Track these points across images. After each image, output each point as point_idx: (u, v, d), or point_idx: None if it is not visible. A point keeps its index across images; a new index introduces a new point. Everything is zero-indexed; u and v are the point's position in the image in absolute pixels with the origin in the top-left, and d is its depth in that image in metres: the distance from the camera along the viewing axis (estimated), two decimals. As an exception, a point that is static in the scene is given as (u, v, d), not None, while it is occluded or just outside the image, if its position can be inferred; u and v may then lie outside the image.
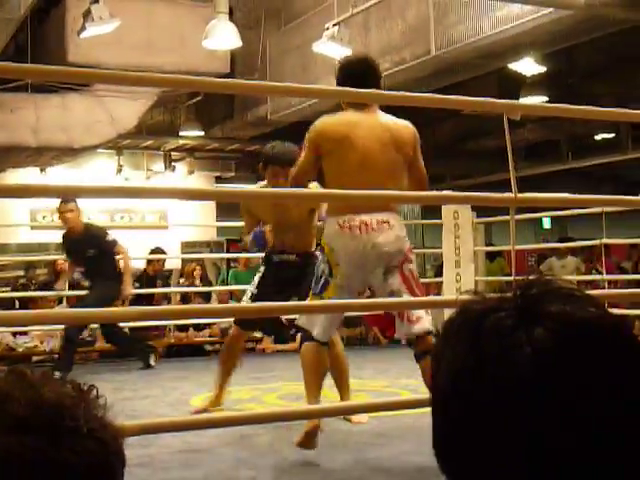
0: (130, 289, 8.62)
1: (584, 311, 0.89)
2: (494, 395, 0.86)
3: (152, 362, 8.89)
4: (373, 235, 4.34)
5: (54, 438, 0.86)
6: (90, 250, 8.25)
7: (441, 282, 10.11)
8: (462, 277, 9.60)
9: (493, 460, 0.87)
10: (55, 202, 8.58)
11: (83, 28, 8.85)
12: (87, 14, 8.66)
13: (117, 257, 8.48)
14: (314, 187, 5.22)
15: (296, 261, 5.83)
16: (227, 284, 12.36)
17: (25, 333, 10.00)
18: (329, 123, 4.56)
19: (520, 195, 3.79)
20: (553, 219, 20.47)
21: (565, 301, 0.90)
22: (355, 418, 5.37)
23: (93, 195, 4.83)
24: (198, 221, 14.41)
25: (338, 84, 4.70)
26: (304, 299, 4.78)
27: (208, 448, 4.65)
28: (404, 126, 4.60)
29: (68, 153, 11.84)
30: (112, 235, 8.56)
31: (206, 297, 11.27)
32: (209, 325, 10.89)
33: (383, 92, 4.46)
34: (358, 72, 4.66)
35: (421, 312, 4.36)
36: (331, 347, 5.06)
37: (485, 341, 0.89)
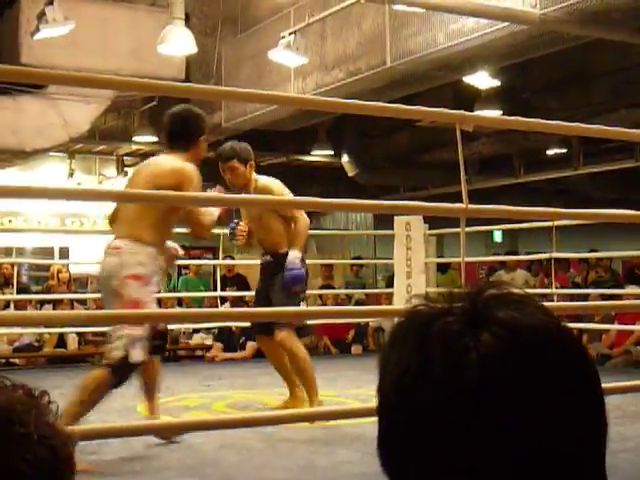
0: None
1: (531, 318, 0.89)
2: (438, 398, 0.86)
3: None
4: (102, 259, 4.83)
5: (3, 444, 0.84)
6: None
7: (392, 293, 10.15)
8: (413, 288, 9.64)
9: (435, 463, 0.86)
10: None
11: (37, 30, 8.78)
12: (41, 16, 8.58)
13: None
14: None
15: (270, 262, 6.21)
16: (177, 291, 12.33)
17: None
18: None
19: (471, 206, 3.81)
20: (504, 233, 20.66)
21: (513, 307, 0.90)
22: None
23: (42, 196, 4.77)
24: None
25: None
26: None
27: (156, 454, 4.62)
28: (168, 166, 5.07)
29: (19, 155, 11.70)
30: None
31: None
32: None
33: (339, 100, 4.47)
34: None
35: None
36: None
37: (432, 344, 0.88)
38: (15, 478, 0.84)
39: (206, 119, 5.74)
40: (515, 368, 0.85)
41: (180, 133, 5.25)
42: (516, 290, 0.94)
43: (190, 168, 5.04)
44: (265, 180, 6.12)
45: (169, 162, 5.09)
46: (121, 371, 4.64)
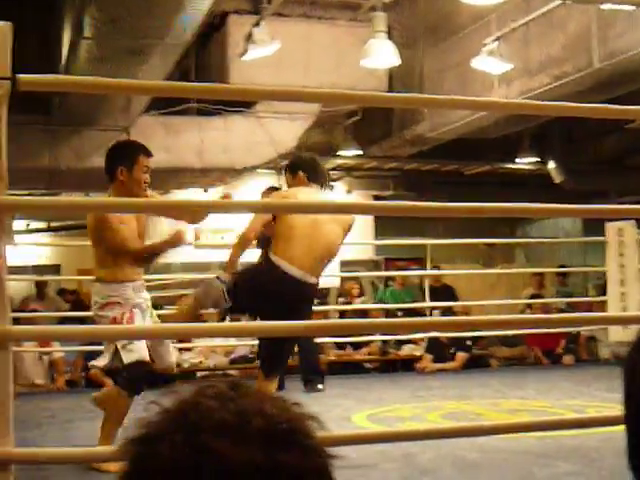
0: None
1: None
2: None
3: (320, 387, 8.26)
4: None
5: (287, 451, 0.87)
6: None
7: (604, 301, 9.85)
8: (628, 296, 9.31)
9: None
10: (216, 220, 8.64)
11: (245, 51, 9.06)
12: (249, 37, 8.86)
13: None
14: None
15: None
16: (384, 302, 12.38)
17: (189, 349, 10.25)
18: None
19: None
20: None
21: None
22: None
23: (251, 210, 4.93)
24: (356, 240, 14.47)
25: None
26: None
27: (373, 464, 4.65)
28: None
29: (230, 173, 12.10)
30: None
31: (364, 316, 11.30)
32: (368, 343, 10.90)
33: (550, 104, 4.37)
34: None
35: None
36: None
37: None
38: None
39: (133, 145, 5.54)
40: None
41: (105, 169, 5.27)
42: None
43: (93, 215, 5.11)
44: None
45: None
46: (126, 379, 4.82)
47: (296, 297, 5.00)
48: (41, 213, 13.19)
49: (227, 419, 0.88)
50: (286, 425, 0.90)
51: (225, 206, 4.71)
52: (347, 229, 5.20)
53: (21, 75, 2.74)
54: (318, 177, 5.29)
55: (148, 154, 5.22)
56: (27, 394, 8.76)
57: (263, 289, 5.07)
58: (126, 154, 5.23)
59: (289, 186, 5.44)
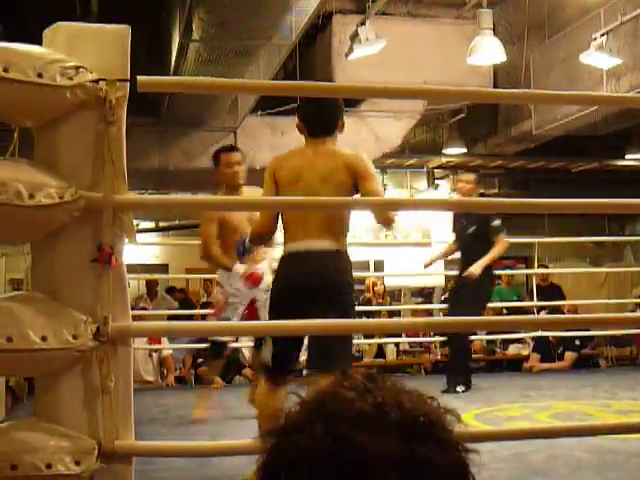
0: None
1: None
2: None
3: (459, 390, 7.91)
4: None
5: (426, 445, 0.88)
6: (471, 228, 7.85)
7: None
8: None
9: None
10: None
11: (350, 50, 9.10)
12: (354, 36, 8.89)
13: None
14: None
15: None
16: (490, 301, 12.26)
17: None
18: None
19: None
20: None
21: None
22: None
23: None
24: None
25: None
26: None
27: (482, 464, 4.61)
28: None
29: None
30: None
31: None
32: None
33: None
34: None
35: None
36: None
37: None
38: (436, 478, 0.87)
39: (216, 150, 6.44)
40: None
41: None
42: None
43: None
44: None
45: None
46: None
47: (302, 271, 4.24)
48: (157, 211, 13.49)
49: (366, 410, 0.89)
50: (424, 418, 0.90)
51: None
52: (344, 179, 4.29)
53: (140, 77, 2.81)
54: (316, 129, 4.43)
55: (228, 150, 6.28)
56: (138, 390, 8.93)
57: (275, 287, 4.42)
58: (213, 158, 6.36)
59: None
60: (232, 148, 6.26)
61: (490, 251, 7.73)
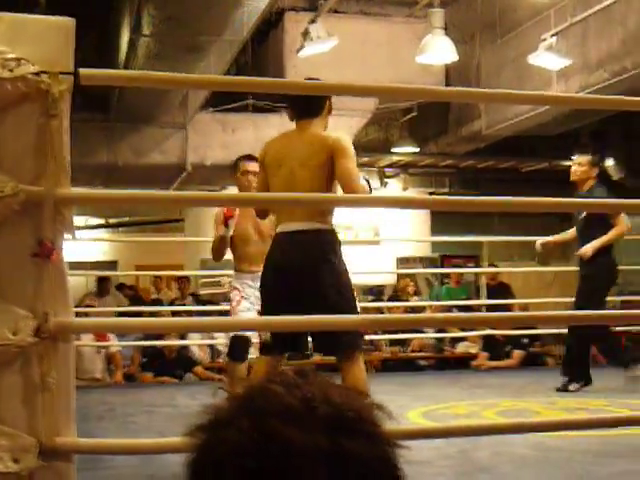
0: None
1: None
2: None
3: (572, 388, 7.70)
4: None
5: (354, 439, 0.87)
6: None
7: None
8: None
9: None
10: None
11: (302, 47, 9.09)
12: (306, 34, 8.88)
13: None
14: None
15: None
16: (440, 300, 12.33)
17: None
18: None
19: None
20: None
21: None
22: None
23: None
24: (412, 237, 14.44)
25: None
26: None
27: (428, 461, 4.63)
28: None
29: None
30: None
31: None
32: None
33: (614, 98, 4.31)
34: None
35: None
36: None
37: None
38: (365, 474, 0.86)
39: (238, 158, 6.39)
40: None
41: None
42: None
43: None
44: None
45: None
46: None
47: (285, 257, 4.39)
48: (106, 208, 13.37)
49: (293, 405, 0.88)
50: (353, 413, 0.90)
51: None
52: (323, 161, 4.39)
53: (82, 69, 2.78)
54: (301, 113, 4.60)
55: (247, 159, 6.20)
56: (86, 388, 8.87)
57: (264, 267, 4.56)
58: (234, 164, 6.35)
59: None
60: (251, 157, 6.17)
61: (607, 234, 7.49)
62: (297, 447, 0.84)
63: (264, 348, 4.53)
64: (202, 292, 12.44)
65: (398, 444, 0.92)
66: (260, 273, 4.84)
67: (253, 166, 6.01)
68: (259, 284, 4.72)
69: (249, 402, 0.90)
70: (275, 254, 4.47)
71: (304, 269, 4.30)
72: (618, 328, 9.83)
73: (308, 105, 4.56)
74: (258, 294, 5.25)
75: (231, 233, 5.95)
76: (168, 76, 3.41)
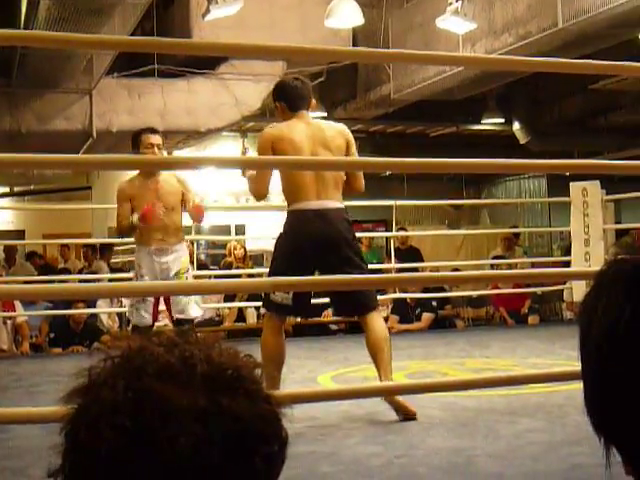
0: None
1: None
2: None
3: None
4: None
5: (233, 398, 0.86)
6: None
7: (569, 261, 9.92)
8: (591, 256, 9.38)
9: None
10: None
11: (207, 11, 8.97)
12: (211, -3, 8.77)
13: None
14: None
15: None
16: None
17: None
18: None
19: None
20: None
21: None
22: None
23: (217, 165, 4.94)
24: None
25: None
26: None
27: (336, 424, 4.65)
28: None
29: (194, 136, 12.02)
30: None
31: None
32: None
33: (523, 59, 4.33)
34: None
35: None
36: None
37: None
38: (245, 431, 0.85)
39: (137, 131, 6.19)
40: None
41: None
42: None
43: None
44: None
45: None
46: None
47: (319, 229, 4.86)
48: (3, 173, 13.08)
49: (171, 363, 0.87)
50: (232, 372, 0.89)
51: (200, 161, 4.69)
52: (344, 151, 4.96)
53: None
54: (297, 103, 5.02)
55: (149, 132, 6.01)
56: (-9, 359, 8.71)
57: (285, 242, 4.98)
58: (132, 138, 6.07)
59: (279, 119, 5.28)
60: (153, 130, 6.06)
61: None
62: (174, 405, 0.83)
63: (278, 308, 4.89)
64: (114, 260, 12.30)
65: (280, 403, 0.91)
66: (157, 246, 5.95)
67: (157, 139, 6.02)
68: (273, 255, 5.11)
69: (125, 362, 0.88)
70: (307, 227, 4.86)
71: (340, 241, 4.86)
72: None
73: (303, 97, 5.03)
74: (161, 266, 5.98)
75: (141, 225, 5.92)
76: (61, 36, 3.31)
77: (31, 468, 3.81)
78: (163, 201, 5.94)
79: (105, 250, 11.93)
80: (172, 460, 0.82)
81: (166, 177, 6.08)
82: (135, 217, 5.85)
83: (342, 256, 4.86)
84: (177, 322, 6.12)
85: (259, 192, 5.04)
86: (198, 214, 6.14)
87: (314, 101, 5.16)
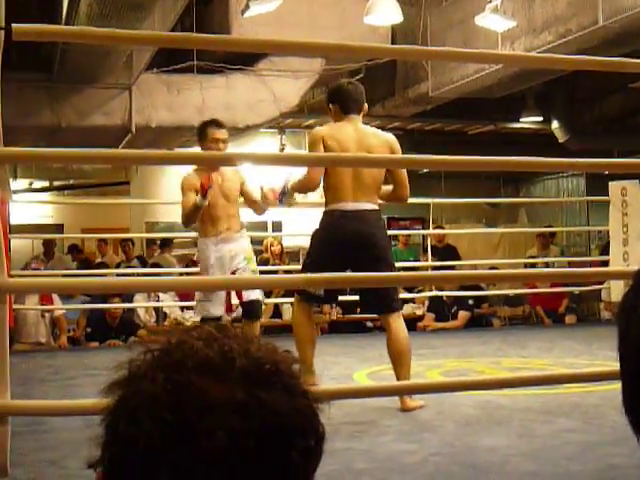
0: None
1: None
2: None
3: None
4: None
5: (270, 392, 0.87)
6: None
7: (607, 261, 9.84)
8: (630, 255, 9.31)
9: None
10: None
11: (247, 7, 8.99)
12: (250, -7, 8.78)
13: None
14: None
15: None
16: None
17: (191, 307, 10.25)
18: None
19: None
20: None
21: None
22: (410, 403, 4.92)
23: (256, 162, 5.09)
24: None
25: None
26: None
27: (372, 420, 4.66)
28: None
29: (232, 132, 12.00)
30: None
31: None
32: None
33: (563, 57, 4.32)
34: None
35: None
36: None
37: None
38: (282, 425, 0.86)
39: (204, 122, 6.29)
40: None
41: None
42: None
43: None
44: None
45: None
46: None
47: (354, 229, 5.03)
48: (43, 168, 13.20)
49: (211, 357, 0.88)
50: (270, 366, 0.90)
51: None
52: (386, 153, 5.13)
53: (15, 25, 2.71)
54: (351, 106, 5.18)
55: (217, 126, 6.10)
56: (30, 352, 8.79)
57: (320, 238, 5.18)
58: (199, 130, 6.18)
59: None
60: (219, 124, 6.14)
61: None
62: (213, 398, 0.84)
63: (310, 297, 5.20)
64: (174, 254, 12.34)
65: (317, 398, 0.92)
66: (224, 235, 6.06)
67: (222, 133, 6.09)
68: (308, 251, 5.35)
69: (165, 355, 0.89)
70: (342, 226, 5.05)
71: (373, 241, 5.02)
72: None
73: (357, 101, 5.19)
74: (230, 253, 6.10)
75: (207, 203, 5.89)
76: (101, 32, 3.34)
77: (67, 459, 3.84)
78: (226, 192, 6.08)
79: (168, 243, 12.03)
80: (210, 452, 0.83)
81: (227, 170, 6.17)
82: (198, 197, 5.84)
83: (374, 255, 5.00)
84: (245, 304, 6.21)
85: (313, 182, 5.12)
86: (271, 200, 6.13)
87: (366, 105, 5.28)
